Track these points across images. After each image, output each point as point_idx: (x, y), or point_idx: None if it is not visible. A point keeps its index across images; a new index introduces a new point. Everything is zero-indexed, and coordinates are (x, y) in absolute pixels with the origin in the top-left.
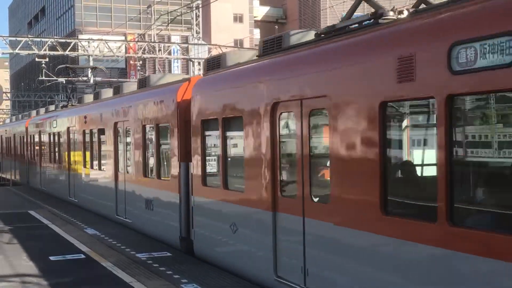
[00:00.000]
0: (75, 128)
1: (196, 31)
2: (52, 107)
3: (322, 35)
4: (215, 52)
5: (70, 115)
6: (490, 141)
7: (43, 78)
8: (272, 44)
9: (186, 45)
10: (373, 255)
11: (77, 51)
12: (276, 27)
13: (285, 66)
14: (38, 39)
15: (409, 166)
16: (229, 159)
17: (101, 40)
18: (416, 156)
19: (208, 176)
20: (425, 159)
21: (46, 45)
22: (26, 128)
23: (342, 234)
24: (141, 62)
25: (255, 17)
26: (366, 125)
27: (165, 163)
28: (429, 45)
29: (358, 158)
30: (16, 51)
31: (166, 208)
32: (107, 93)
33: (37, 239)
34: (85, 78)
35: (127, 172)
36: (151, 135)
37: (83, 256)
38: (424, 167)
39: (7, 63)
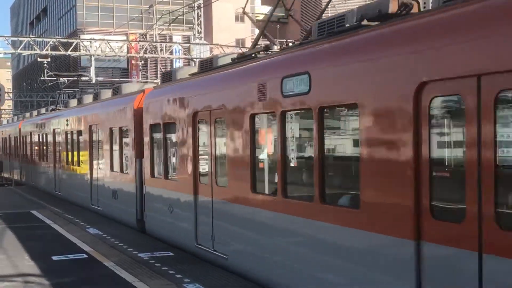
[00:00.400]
0: (59, 130)
1: (198, 30)
2: (43, 110)
3: (236, 60)
4: (216, 51)
5: (55, 118)
6: (303, 144)
7: (45, 78)
8: (206, 64)
9: (187, 45)
10: (244, 221)
11: (79, 51)
12: (278, 26)
13: (202, 84)
14: (40, 39)
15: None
16: (168, 155)
17: (103, 40)
18: (265, 153)
19: (155, 169)
20: (274, 156)
21: (48, 45)
22: (19, 129)
23: (235, 209)
24: (143, 62)
25: (256, 16)
26: (244, 129)
27: (125, 159)
28: (273, 77)
29: (244, 155)
30: (18, 51)
31: (126, 196)
32: (88, 99)
33: (39, 239)
34: (86, 78)
35: (99, 168)
36: (116, 136)
37: (85, 256)
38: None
39: (9, 63)
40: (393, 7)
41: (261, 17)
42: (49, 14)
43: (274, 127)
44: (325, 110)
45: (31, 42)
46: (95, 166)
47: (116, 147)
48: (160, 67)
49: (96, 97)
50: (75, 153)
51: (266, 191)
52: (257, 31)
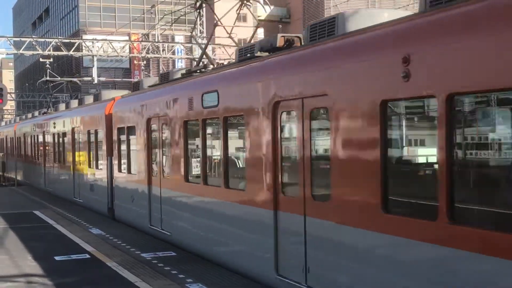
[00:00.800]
0: (48, 132)
1: (200, 30)
2: (36, 113)
3: (182, 76)
4: (218, 51)
5: (45, 121)
6: (215, 145)
7: (47, 78)
8: (164, 77)
9: (190, 45)
10: (181, 204)
11: (81, 51)
12: (280, 26)
13: (154, 95)
14: (42, 40)
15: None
16: (131, 153)
17: (105, 40)
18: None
19: (120, 165)
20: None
21: (50, 45)
22: (14, 131)
23: (175, 195)
24: (145, 62)
25: (258, 16)
26: (181, 133)
27: (100, 157)
28: (196, 92)
29: (180, 153)
30: (21, 51)
31: (100, 189)
32: (74, 103)
33: (42, 239)
34: (89, 78)
35: (79, 164)
36: (92, 137)
37: (88, 256)
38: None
39: (11, 64)
40: (280, 42)
41: (263, 17)
42: (52, 14)
43: (199, 132)
44: (228, 119)
45: (33, 43)
46: (76, 164)
47: (93, 146)
48: (162, 67)
49: (80, 102)
50: (61, 152)
51: (194, 181)
52: (260, 32)
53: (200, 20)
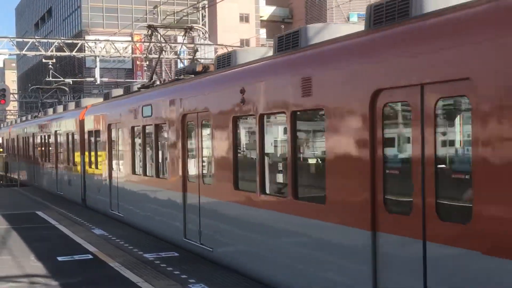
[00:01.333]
0: (36, 134)
1: (203, 32)
2: (29, 117)
3: (138, 89)
4: (221, 52)
5: (34, 124)
6: (153, 147)
7: (50, 79)
8: (126, 89)
9: (192, 45)
10: (128, 191)
11: (84, 52)
12: (283, 26)
13: (112, 105)
14: (45, 40)
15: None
16: (98, 152)
17: (108, 40)
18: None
19: (90, 162)
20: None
21: (53, 46)
22: (9, 133)
23: (124, 184)
24: (147, 62)
25: (261, 17)
26: (130, 136)
27: (75, 156)
28: (138, 105)
29: (129, 152)
30: (23, 52)
31: (76, 182)
32: (59, 109)
33: (45, 239)
34: (91, 79)
35: (61, 163)
36: (70, 139)
37: (90, 256)
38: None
39: (14, 64)
40: (199, 68)
41: (265, 18)
42: (54, 15)
43: (141, 136)
44: (159, 126)
45: (36, 43)
46: (59, 162)
47: (70, 147)
48: (164, 67)
49: (65, 107)
50: (47, 152)
51: (141, 172)
52: (262, 32)
53: (202, 20)
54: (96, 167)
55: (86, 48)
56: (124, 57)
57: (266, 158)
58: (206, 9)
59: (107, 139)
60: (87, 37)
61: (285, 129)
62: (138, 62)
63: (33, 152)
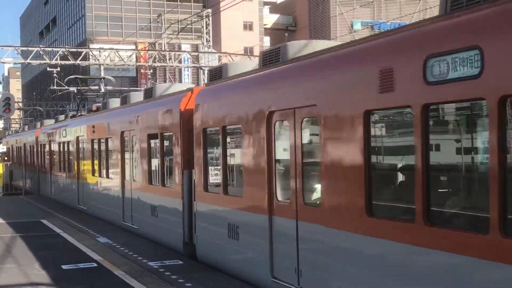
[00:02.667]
0: (27, 143)
1: (206, 39)
2: (26, 128)
3: (90, 111)
4: (225, 60)
5: (25, 135)
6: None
7: (55, 87)
8: (103, 106)
9: (196, 54)
10: (89, 190)
11: (88, 61)
12: (286, 34)
13: (75, 122)
14: (50, 49)
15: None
16: (66, 159)
17: (112, 49)
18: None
19: (61, 166)
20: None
21: (58, 54)
22: (7, 142)
23: (83, 185)
24: (151, 70)
25: (265, 25)
26: (90, 146)
27: (56, 162)
28: (80, 125)
29: (71, 160)
30: (28, 61)
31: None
32: (48, 122)
33: (49, 247)
34: (95, 87)
35: (43, 166)
36: (47, 149)
37: (95, 264)
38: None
39: (18, 73)
40: (94, 108)
41: (269, 26)
42: (59, 24)
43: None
44: (98, 140)
45: (40, 52)
46: (54, 169)
47: (48, 155)
48: (169, 75)
49: (56, 120)
50: (40, 159)
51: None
52: (266, 40)
53: (206, 28)
54: (50, 170)
55: (90, 57)
56: (128, 65)
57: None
58: (210, 17)
59: (75, 149)
60: (91, 46)
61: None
62: (142, 71)
63: (23, 159)
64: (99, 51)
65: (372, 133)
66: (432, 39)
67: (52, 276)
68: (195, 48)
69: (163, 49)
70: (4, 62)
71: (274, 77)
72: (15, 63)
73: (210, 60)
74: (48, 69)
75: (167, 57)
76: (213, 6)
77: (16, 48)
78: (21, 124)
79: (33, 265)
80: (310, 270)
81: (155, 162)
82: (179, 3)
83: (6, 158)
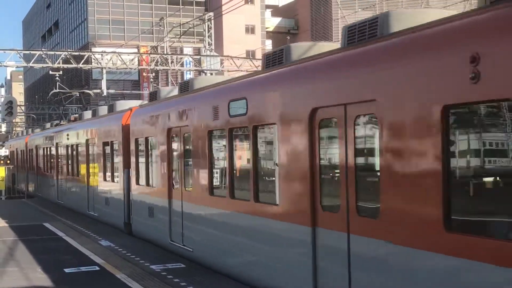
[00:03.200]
0: (20, 147)
1: (209, 42)
2: (20, 134)
3: (55, 124)
4: (227, 63)
5: (15, 141)
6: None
7: (57, 90)
8: (72, 120)
9: (198, 57)
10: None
11: (91, 64)
12: (288, 38)
13: (42, 134)
14: (52, 53)
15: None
16: (37, 162)
17: (114, 52)
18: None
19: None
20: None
21: (60, 58)
22: (9, 145)
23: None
24: (154, 74)
25: (267, 28)
26: (44, 152)
27: (33, 163)
28: (56, 134)
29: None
30: (30, 64)
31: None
32: (47, 126)
33: (51, 251)
34: (98, 91)
35: (32, 169)
36: (24, 154)
37: (97, 268)
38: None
39: (21, 77)
40: (72, 118)
41: (271, 29)
42: (61, 27)
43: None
44: (71, 147)
45: (43, 56)
46: (30, 168)
47: (28, 158)
48: (171, 79)
49: (51, 125)
50: (27, 162)
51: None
52: (268, 43)
53: (208, 32)
54: (41, 171)
55: (92, 60)
56: (131, 68)
57: None
58: (212, 21)
59: (50, 153)
60: (93, 49)
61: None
62: (144, 74)
63: (16, 163)
64: (102, 55)
65: (452, 132)
66: None
67: (54, 279)
68: (197, 51)
69: (165, 52)
70: (6, 66)
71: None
72: (17, 67)
73: (212, 64)
74: (50, 72)
75: (169, 61)
76: (215, 9)
77: (19, 51)
78: (24, 128)
79: (36, 269)
80: None
81: (106, 163)
82: (181, 6)
83: (8, 162)
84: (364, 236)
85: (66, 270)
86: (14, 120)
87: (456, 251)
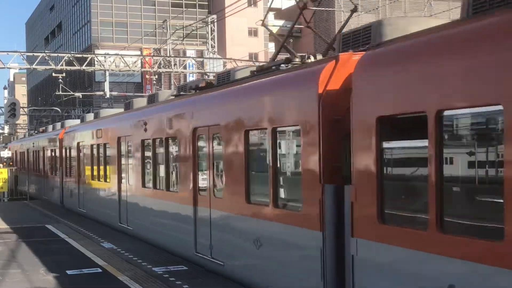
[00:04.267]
0: (21, 151)
1: (211, 45)
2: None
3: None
4: (230, 65)
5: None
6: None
7: (60, 93)
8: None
9: (201, 59)
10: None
11: (94, 66)
12: (291, 40)
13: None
14: (55, 55)
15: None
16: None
17: (117, 55)
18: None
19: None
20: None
21: (63, 60)
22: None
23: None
24: (157, 76)
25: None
26: (37, 155)
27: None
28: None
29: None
30: (33, 66)
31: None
32: (50, 128)
33: (54, 253)
34: (101, 93)
35: (31, 171)
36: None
37: (100, 270)
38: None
39: (24, 79)
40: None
41: (275, 30)
42: (64, 29)
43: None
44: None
45: (46, 58)
46: (24, 168)
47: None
48: (174, 81)
49: (44, 130)
50: (31, 163)
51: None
52: (271, 46)
53: (211, 34)
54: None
55: (95, 62)
56: (134, 71)
57: None
58: (215, 23)
59: (41, 156)
60: (96, 51)
61: None
62: (147, 76)
63: (29, 165)
64: (105, 57)
65: None
66: None
67: (56, 281)
68: (200, 54)
69: (168, 54)
70: (9, 68)
71: None
72: (20, 69)
73: (215, 66)
74: (53, 74)
75: (172, 63)
76: (218, 12)
77: (22, 53)
78: (28, 130)
79: (38, 270)
80: None
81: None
82: (184, 9)
83: (11, 164)
84: (217, 209)
85: (69, 272)
86: (17, 122)
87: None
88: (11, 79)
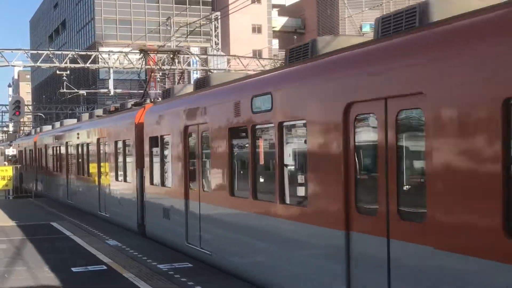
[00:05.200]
0: (21, 148)
1: (215, 42)
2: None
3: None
4: (233, 63)
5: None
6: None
7: (64, 90)
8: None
9: (205, 56)
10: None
11: (98, 64)
12: (295, 37)
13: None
14: (59, 52)
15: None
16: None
17: (121, 52)
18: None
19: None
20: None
21: (67, 58)
22: (17, 145)
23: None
24: (160, 73)
25: (273, 27)
26: (30, 153)
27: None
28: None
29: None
30: (38, 64)
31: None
32: (46, 128)
33: (59, 250)
34: (105, 90)
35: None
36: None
37: (105, 267)
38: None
39: (28, 76)
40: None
41: (278, 28)
42: (68, 27)
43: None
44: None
45: (50, 55)
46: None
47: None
48: (177, 78)
49: (41, 130)
50: (30, 159)
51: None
52: (275, 42)
53: (215, 31)
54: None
55: (99, 60)
56: (138, 68)
57: None
58: (219, 20)
59: (35, 154)
60: (100, 49)
61: None
62: (152, 73)
63: (32, 163)
64: (109, 54)
65: None
66: None
67: (61, 278)
68: (204, 51)
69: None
70: (14, 66)
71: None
72: (25, 66)
73: (218, 63)
74: (57, 72)
75: (176, 60)
76: (222, 9)
77: (26, 51)
78: (32, 127)
79: (43, 268)
80: None
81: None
82: (188, 6)
83: (16, 161)
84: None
85: (74, 270)
86: (21, 120)
87: None
88: (16, 77)
